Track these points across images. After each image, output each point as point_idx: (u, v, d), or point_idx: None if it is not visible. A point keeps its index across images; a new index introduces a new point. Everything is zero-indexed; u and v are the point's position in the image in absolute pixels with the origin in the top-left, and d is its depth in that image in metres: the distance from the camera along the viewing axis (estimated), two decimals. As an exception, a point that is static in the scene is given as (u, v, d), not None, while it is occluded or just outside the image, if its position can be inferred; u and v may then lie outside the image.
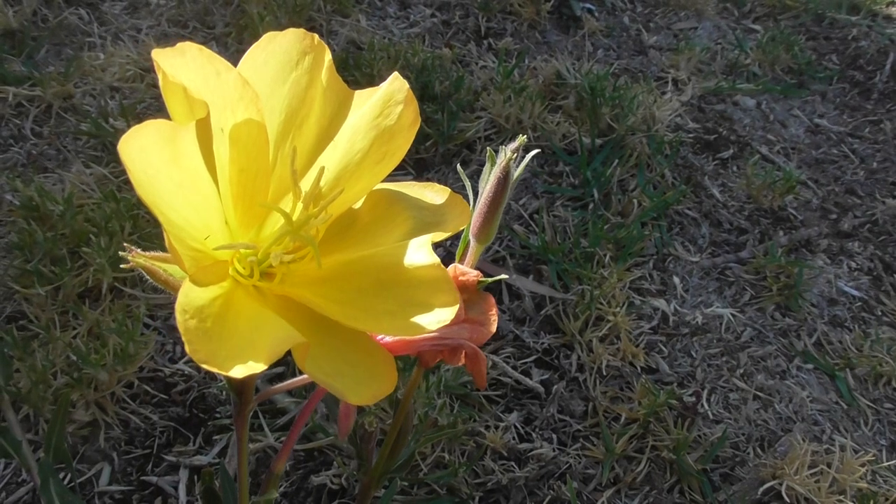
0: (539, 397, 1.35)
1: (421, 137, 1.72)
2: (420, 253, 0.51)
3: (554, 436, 1.31)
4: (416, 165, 1.71)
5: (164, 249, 0.47)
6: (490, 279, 0.63)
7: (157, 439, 1.21)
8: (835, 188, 1.89)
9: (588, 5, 2.28)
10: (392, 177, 0.56)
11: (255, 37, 0.53)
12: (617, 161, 1.76)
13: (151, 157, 0.43)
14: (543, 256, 1.55)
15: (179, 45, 0.46)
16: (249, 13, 1.91)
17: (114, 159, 1.55)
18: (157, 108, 1.68)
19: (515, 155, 0.64)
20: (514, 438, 1.28)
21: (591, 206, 1.68)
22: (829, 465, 1.29)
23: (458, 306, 0.49)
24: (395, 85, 0.54)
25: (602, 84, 1.85)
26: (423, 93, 1.79)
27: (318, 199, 0.51)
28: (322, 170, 0.52)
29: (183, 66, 0.46)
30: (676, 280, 1.59)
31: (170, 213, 0.44)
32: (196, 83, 0.46)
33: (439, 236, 0.53)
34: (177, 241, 0.44)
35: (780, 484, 1.26)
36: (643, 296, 1.54)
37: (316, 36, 0.54)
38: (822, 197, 1.86)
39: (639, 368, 1.41)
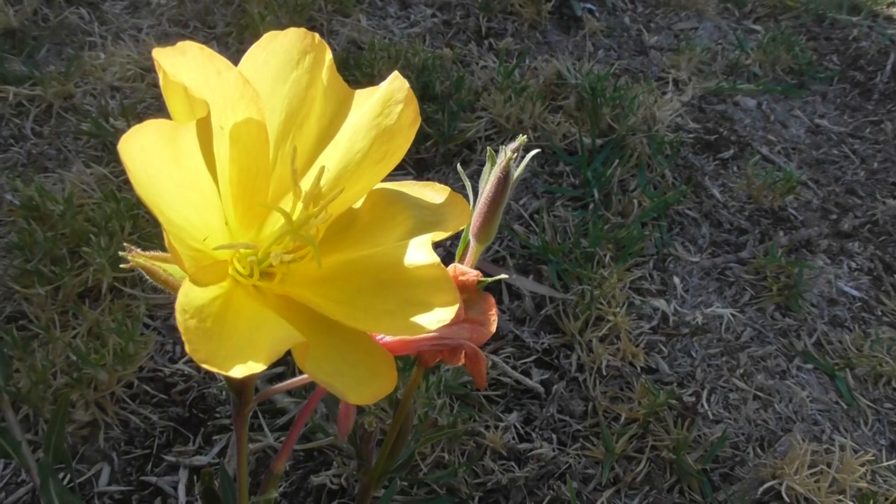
0: (539, 397, 1.35)
1: (421, 137, 1.72)
2: (420, 252, 0.51)
3: (554, 436, 1.31)
4: (416, 165, 1.71)
5: (163, 249, 0.47)
6: (490, 279, 0.62)
7: (156, 439, 1.21)
8: (835, 188, 1.89)
9: (589, 5, 2.28)
10: (392, 177, 0.56)
11: (256, 36, 0.53)
12: (617, 161, 1.76)
13: (152, 157, 0.43)
14: (543, 256, 1.55)
15: (180, 44, 0.46)
16: (250, 13, 1.91)
17: (114, 159, 1.55)
18: (157, 108, 1.68)
19: (515, 155, 0.64)
20: (513, 438, 1.28)
21: (591, 206, 1.68)
22: (828, 465, 1.29)
23: (457, 306, 0.49)
24: (396, 84, 0.54)
25: (603, 84, 1.85)
26: (423, 93, 1.79)
27: (319, 199, 0.51)
28: (322, 169, 0.52)
29: (183, 65, 0.46)
30: (676, 280, 1.59)
31: (170, 212, 0.44)
32: (196, 82, 0.46)
33: (439, 236, 0.53)
34: (176, 241, 0.44)
35: (780, 484, 1.26)
36: (643, 296, 1.54)
37: (317, 35, 0.54)
38: (823, 197, 1.86)
39: (639, 368, 1.41)
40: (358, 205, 0.56)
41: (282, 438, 1.21)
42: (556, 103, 1.90)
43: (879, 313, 1.62)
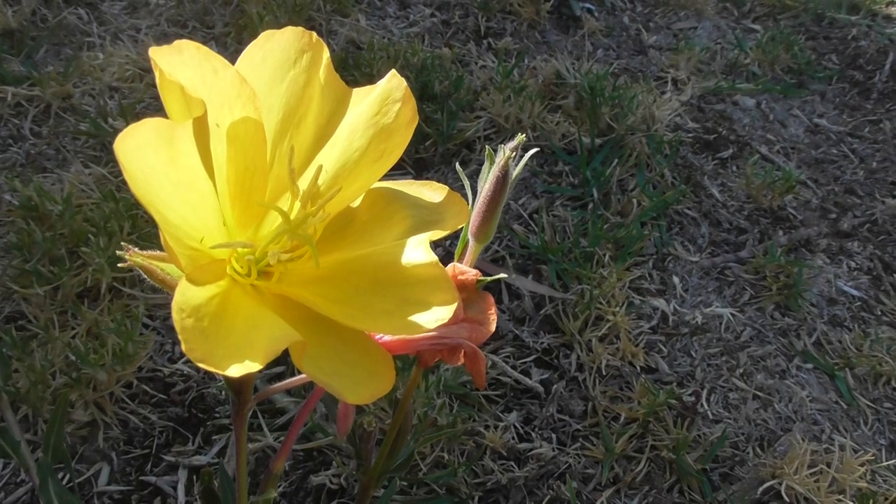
0: (538, 397, 1.35)
1: (420, 137, 1.72)
2: (418, 251, 0.51)
3: (553, 435, 1.30)
4: (415, 165, 1.71)
5: (162, 249, 0.47)
6: (489, 278, 0.62)
7: (155, 439, 1.21)
8: (834, 188, 1.89)
9: (588, 5, 2.28)
10: (391, 176, 0.56)
11: (255, 37, 0.52)
12: (616, 161, 1.76)
13: (148, 156, 0.42)
14: (543, 256, 1.54)
15: (177, 42, 0.46)
16: (249, 13, 1.91)
17: (113, 159, 1.55)
18: (156, 108, 1.68)
19: (514, 154, 0.64)
20: (513, 438, 1.28)
21: (590, 205, 1.68)
22: (828, 465, 1.28)
23: (456, 305, 0.49)
24: (393, 83, 0.54)
25: (602, 84, 1.85)
26: (422, 92, 1.79)
27: (316, 198, 0.51)
28: (320, 168, 0.52)
29: (180, 63, 0.46)
30: (676, 280, 1.59)
31: (166, 211, 0.44)
32: (193, 81, 0.46)
33: (437, 235, 0.53)
34: (173, 240, 0.44)
35: (780, 483, 1.26)
36: (643, 295, 1.54)
37: (314, 34, 0.53)
38: (822, 197, 1.86)
39: (638, 368, 1.41)
40: (356, 204, 0.56)
41: (281, 438, 1.21)
42: (555, 103, 1.90)
43: (879, 313, 1.62)
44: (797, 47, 2.22)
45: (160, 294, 1.34)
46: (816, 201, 1.84)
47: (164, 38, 1.88)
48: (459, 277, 0.60)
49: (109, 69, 1.77)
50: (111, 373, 1.22)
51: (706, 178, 1.83)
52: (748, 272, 1.63)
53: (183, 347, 0.41)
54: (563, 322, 1.44)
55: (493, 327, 0.59)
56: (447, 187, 0.56)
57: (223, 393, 1.26)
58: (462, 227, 0.63)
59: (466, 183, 0.68)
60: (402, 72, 1.81)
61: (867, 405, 1.44)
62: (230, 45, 1.89)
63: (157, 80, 0.45)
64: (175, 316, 0.42)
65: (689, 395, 1.38)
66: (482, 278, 0.61)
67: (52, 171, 1.55)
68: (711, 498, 1.25)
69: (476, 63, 1.98)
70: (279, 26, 0.53)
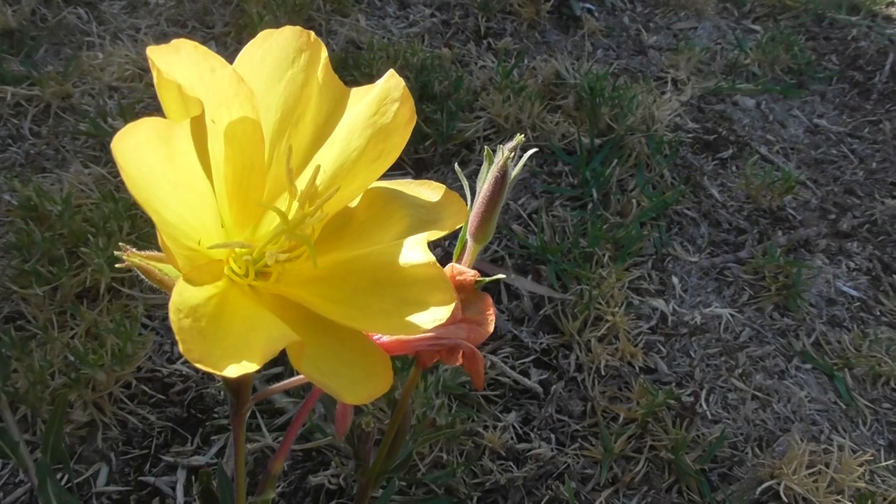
0: (537, 397, 1.35)
1: (420, 137, 1.72)
2: (416, 251, 0.51)
3: (552, 436, 1.30)
4: (415, 165, 1.71)
5: (160, 249, 0.47)
6: (488, 279, 0.62)
7: (154, 439, 1.21)
8: (834, 188, 1.89)
9: (588, 5, 2.28)
10: (391, 176, 0.55)
11: (254, 36, 0.52)
12: (616, 161, 1.76)
13: (146, 155, 0.42)
14: (542, 256, 1.54)
15: (174, 41, 0.46)
16: (248, 12, 1.91)
17: (112, 159, 1.55)
18: (155, 108, 1.67)
19: (513, 154, 0.64)
20: (512, 438, 1.28)
21: (589, 205, 1.68)
22: (827, 465, 1.28)
23: (454, 305, 0.49)
24: (391, 82, 0.54)
25: (601, 84, 1.85)
26: (422, 92, 1.79)
27: (314, 198, 0.51)
28: (318, 168, 0.52)
29: (178, 63, 0.46)
30: (675, 280, 1.59)
31: (164, 211, 0.44)
32: (191, 80, 0.46)
33: (435, 235, 0.53)
34: (170, 240, 0.44)
35: (779, 484, 1.26)
36: (642, 296, 1.54)
37: (312, 33, 0.53)
38: (821, 197, 1.86)
39: (637, 368, 1.41)
40: (354, 204, 0.56)
41: (280, 438, 1.21)
42: (554, 103, 1.90)
43: (878, 313, 1.62)
44: (797, 48, 2.22)
45: (159, 294, 1.34)
46: (816, 202, 1.84)
47: (164, 38, 1.87)
48: (458, 278, 0.60)
49: (109, 69, 1.77)
50: (110, 373, 1.22)
51: (706, 178, 1.83)
52: (747, 272, 1.63)
53: (181, 348, 0.41)
54: (562, 322, 1.44)
55: (491, 328, 0.59)
56: (444, 187, 0.56)
57: (222, 393, 1.26)
58: (461, 227, 0.63)
59: (465, 183, 0.67)
60: (401, 72, 1.82)
61: (866, 405, 1.44)
62: (230, 44, 1.89)
63: (155, 80, 0.45)
64: (172, 316, 0.42)
65: (688, 395, 1.38)
66: (480, 279, 0.61)
67: (52, 171, 1.55)
68: (710, 498, 1.25)
69: (476, 63, 1.98)
70: (279, 26, 0.53)
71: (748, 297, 1.59)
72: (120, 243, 0.53)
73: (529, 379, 1.37)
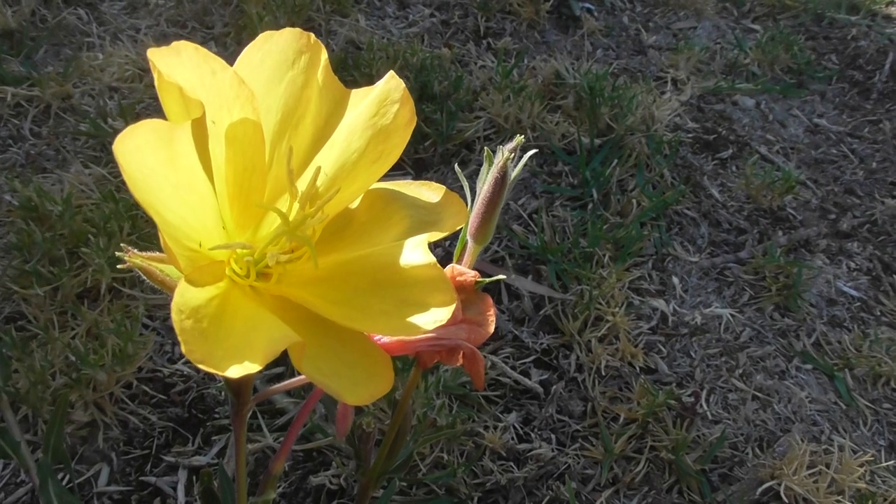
0: (538, 397, 1.35)
1: (420, 137, 1.72)
2: (416, 252, 0.51)
3: (553, 436, 1.31)
4: (414, 165, 1.71)
5: (161, 250, 0.47)
6: (488, 279, 0.62)
7: (155, 440, 1.21)
8: (834, 188, 1.89)
9: (587, 5, 2.28)
10: (391, 177, 0.56)
11: (254, 37, 0.53)
12: (616, 161, 1.76)
13: (147, 157, 0.43)
14: (542, 256, 1.54)
15: (175, 44, 0.46)
16: (248, 13, 1.91)
17: (113, 159, 1.55)
18: (155, 109, 1.68)
19: (513, 155, 0.64)
20: (512, 439, 1.28)
21: (590, 206, 1.68)
22: (827, 466, 1.29)
23: (454, 306, 0.49)
24: (391, 84, 0.54)
25: (601, 84, 1.85)
26: (421, 93, 1.79)
27: (315, 199, 0.51)
28: (318, 169, 0.52)
29: (178, 65, 0.46)
30: (675, 280, 1.59)
31: (165, 213, 0.44)
32: (192, 82, 0.46)
33: (436, 236, 0.53)
34: (172, 241, 0.44)
35: (779, 484, 1.26)
36: (642, 296, 1.54)
37: (312, 35, 0.53)
38: (822, 197, 1.86)
39: (638, 368, 1.41)
40: (354, 205, 0.56)
41: (280, 439, 1.21)
42: (554, 103, 1.90)
43: (878, 313, 1.62)
44: (797, 47, 2.22)
45: (160, 294, 1.34)
46: (816, 202, 1.84)
47: (164, 38, 1.88)
48: (458, 279, 0.61)
49: (109, 69, 1.77)
50: (111, 373, 1.22)
51: (706, 178, 1.83)
52: (748, 273, 1.64)
53: (183, 349, 0.41)
54: (562, 322, 1.44)
55: (491, 328, 0.59)
56: (445, 188, 0.57)
57: (223, 393, 1.26)
58: (461, 228, 0.63)
59: (465, 183, 0.68)
60: (401, 72, 1.82)
61: (866, 406, 1.44)
62: (230, 45, 1.89)
63: (156, 82, 0.46)
64: (174, 317, 0.42)
65: (689, 395, 1.38)
66: (481, 279, 0.61)
67: (52, 172, 1.55)
68: (710, 498, 1.25)
69: (475, 63, 1.98)
70: (278, 26, 0.53)
71: (748, 298, 1.59)
72: (121, 244, 0.53)
73: (530, 379, 1.37)
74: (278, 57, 0.52)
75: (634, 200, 1.69)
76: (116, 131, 1.61)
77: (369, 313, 0.50)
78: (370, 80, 1.81)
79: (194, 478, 1.17)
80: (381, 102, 0.54)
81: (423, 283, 0.50)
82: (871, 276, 1.69)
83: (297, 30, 0.53)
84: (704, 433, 1.33)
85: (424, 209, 0.55)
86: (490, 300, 0.61)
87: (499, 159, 0.64)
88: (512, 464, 1.25)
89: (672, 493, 1.26)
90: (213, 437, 1.22)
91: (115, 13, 1.96)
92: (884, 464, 1.34)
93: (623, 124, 1.82)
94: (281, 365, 1.27)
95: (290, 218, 0.51)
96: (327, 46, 0.54)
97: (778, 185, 1.79)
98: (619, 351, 1.42)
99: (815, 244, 1.73)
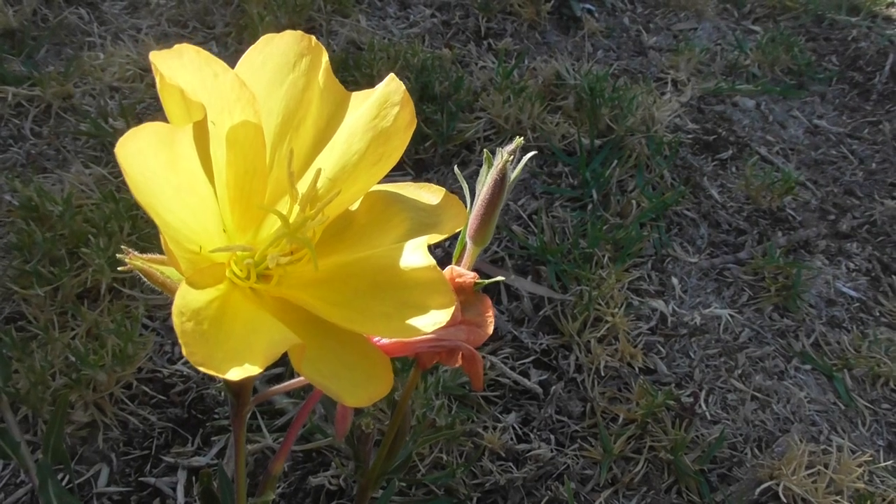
0: (537, 398, 1.35)
1: (420, 138, 1.72)
2: (416, 255, 0.51)
3: (552, 436, 1.31)
4: (415, 166, 1.71)
5: (161, 251, 0.47)
6: (487, 281, 0.63)
7: (155, 440, 1.21)
8: (833, 189, 1.89)
9: (588, 6, 2.28)
10: (391, 177, 0.56)
11: (255, 37, 0.53)
12: (616, 162, 1.76)
13: (148, 160, 0.43)
14: (542, 257, 1.55)
15: (177, 46, 0.46)
16: (249, 13, 1.91)
17: (113, 160, 1.55)
18: (156, 109, 1.68)
19: (512, 157, 0.64)
20: (512, 439, 1.28)
21: (589, 206, 1.68)
22: (826, 466, 1.29)
23: (453, 308, 0.49)
24: (392, 86, 0.54)
25: (601, 85, 1.86)
26: (422, 93, 1.79)
27: (315, 201, 0.51)
28: (319, 172, 0.52)
29: (180, 67, 0.46)
30: (675, 281, 1.59)
31: (166, 215, 0.44)
32: (193, 85, 0.46)
33: (435, 238, 0.53)
34: (173, 243, 0.44)
35: (778, 484, 1.26)
36: (642, 296, 1.54)
37: (313, 38, 0.54)
38: (821, 198, 1.86)
39: (637, 369, 1.41)
40: (355, 207, 0.56)
41: (280, 439, 1.21)
42: (554, 104, 1.90)
43: (877, 314, 1.62)
44: (797, 48, 2.22)
45: (160, 295, 1.34)
46: (815, 202, 1.84)
47: (165, 38, 1.88)
48: (457, 280, 0.61)
49: (110, 69, 1.77)
50: (111, 374, 1.22)
51: (705, 179, 1.83)
52: (747, 273, 1.64)
53: (183, 351, 0.41)
54: (561, 323, 1.44)
55: (490, 330, 0.60)
56: (444, 190, 0.57)
57: (222, 394, 1.26)
58: (461, 229, 0.63)
59: (465, 185, 0.68)
60: (401, 72, 1.82)
61: (865, 406, 1.44)
62: (231, 45, 1.89)
63: (158, 84, 0.46)
64: (175, 319, 0.42)
65: (688, 396, 1.38)
66: (480, 281, 0.61)
67: (53, 172, 1.55)
68: (709, 499, 1.25)
69: (476, 64, 1.99)
70: (280, 27, 0.53)
71: (748, 298, 1.59)
72: (122, 245, 0.54)
73: (529, 380, 1.37)
74: (279, 59, 0.52)
75: (634, 201, 1.69)
76: (117, 131, 1.62)
77: (369, 315, 0.50)
78: (371, 80, 1.82)
79: (194, 478, 1.17)
80: (382, 105, 0.54)
81: (423, 285, 0.50)
82: (870, 277, 1.69)
83: (299, 32, 0.53)
84: (703, 433, 1.33)
85: (424, 211, 0.55)
86: (489, 301, 0.61)
87: (498, 161, 0.64)
88: (511, 464, 1.25)
89: (671, 493, 1.26)
90: (213, 438, 1.22)
91: (116, 13, 1.96)
92: (882, 464, 1.34)
93: (623, 125, 1.82)
94: (280, 366, 1.27)
95: (291, 220, 0.51)
96: (328, 47, 0.54)
97: (777, 185, 1.80)
98: (618, 351, 1.42)
99: (815, 245, 1.74)
